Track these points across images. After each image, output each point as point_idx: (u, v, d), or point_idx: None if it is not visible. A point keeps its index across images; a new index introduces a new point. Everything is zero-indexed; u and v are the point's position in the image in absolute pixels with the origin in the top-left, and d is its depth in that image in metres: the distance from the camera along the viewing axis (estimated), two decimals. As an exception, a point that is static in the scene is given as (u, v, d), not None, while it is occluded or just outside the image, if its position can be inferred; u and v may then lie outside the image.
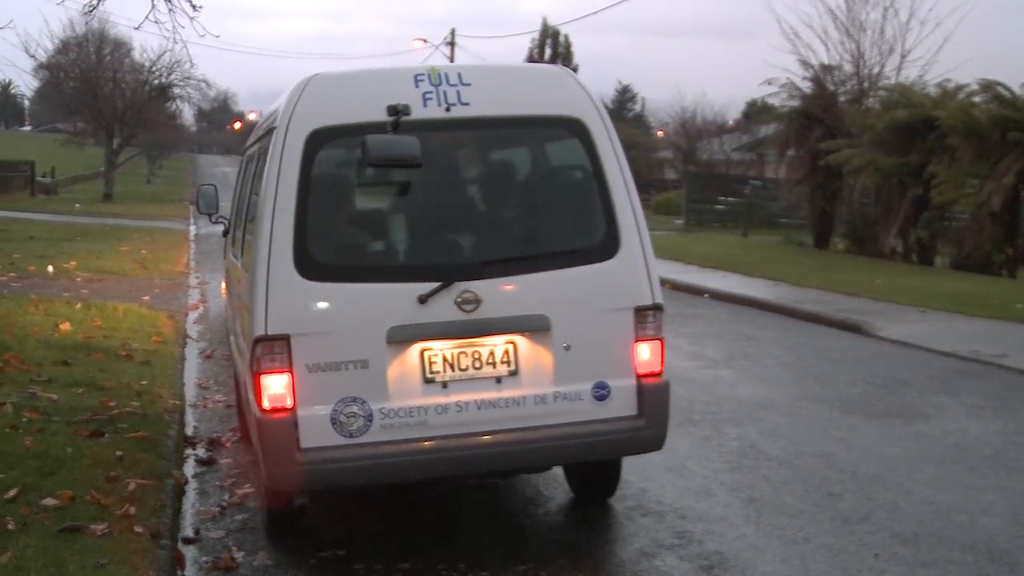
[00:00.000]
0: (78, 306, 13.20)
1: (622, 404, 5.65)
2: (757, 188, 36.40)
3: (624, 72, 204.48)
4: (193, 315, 14.75)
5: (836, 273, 19.55)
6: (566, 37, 64.30)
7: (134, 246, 23.06)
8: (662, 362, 5.75)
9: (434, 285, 5.38)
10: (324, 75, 5.70)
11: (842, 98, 26.96)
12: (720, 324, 14.34)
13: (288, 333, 5.27)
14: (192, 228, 31.15)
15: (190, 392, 9.99)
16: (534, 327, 5.51)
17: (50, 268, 17.67)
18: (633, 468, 7.28)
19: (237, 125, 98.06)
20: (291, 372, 5.27)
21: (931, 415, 8.95)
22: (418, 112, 5.50)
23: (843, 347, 12.54)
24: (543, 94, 5.88)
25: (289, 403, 5.27)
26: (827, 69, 27.24)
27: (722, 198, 38.09)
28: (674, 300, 16.83)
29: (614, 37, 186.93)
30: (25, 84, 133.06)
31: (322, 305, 5.33)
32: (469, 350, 5.46)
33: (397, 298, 5.38)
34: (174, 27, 12.95)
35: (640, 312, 5.66)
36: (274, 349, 5.27)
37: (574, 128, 5.76)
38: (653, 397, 5.68)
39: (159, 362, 10.35)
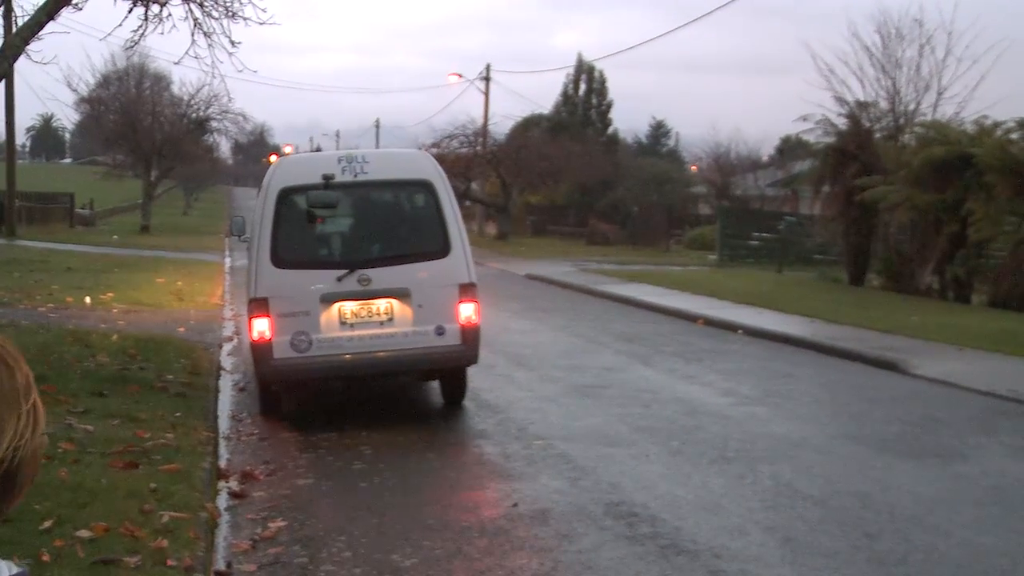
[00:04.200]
0: (114, 337, 13.31)
1: (452, 337, 9.87)
2: (792, 224, 36.23)
3: (658, 107, 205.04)
4: (227, 347, 14.84)
5: (872, 310, 19.38)
6: (601, 72, 64.54)
7: (170, 278, 23.25)
8: (477, 315, 10.00)
9: (345, 271, 9.74)
10: (288, 158, 11.29)
11: (878, 135, 26.83)
12: (754, 361, 14.23)
13: (267, 296, 9.64)
14: (227, 260, 31.38)
15: (224, 424, 10.04)
16: (401, 294, 9.81)
17: (87, 299, 17.84)
18: (667, 506, 7.24)
19: (273, 158, 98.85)
20: (269, 317, 9.59)
21: (969, 455, 8.83)
22: (339, 178, 9.85)
23: (879, 385, 12.41)
24: (409, 167, 10.50)
25: (268, 335, 9.60)
26: (863, 106, 27.14)
27: (756, 234, 37.95)
28: (708, 336, 16.75)
29: (649, 73, 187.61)
30: (66, 117, 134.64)
31: (285, 281, 9.70)
32: (366, 306, 9.79)
33: (326, 277, 9.78)
34: (213, 62, 13.15)
35: (462, 287, 9.93)
36: (260, 305, 9.64)
37: (426, 186, 10.16)
38: (470, 335, 9.95)
39: (194, 394, 10.42)
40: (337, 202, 9.93)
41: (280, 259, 9.69)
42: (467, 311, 9.88)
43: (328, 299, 9.65)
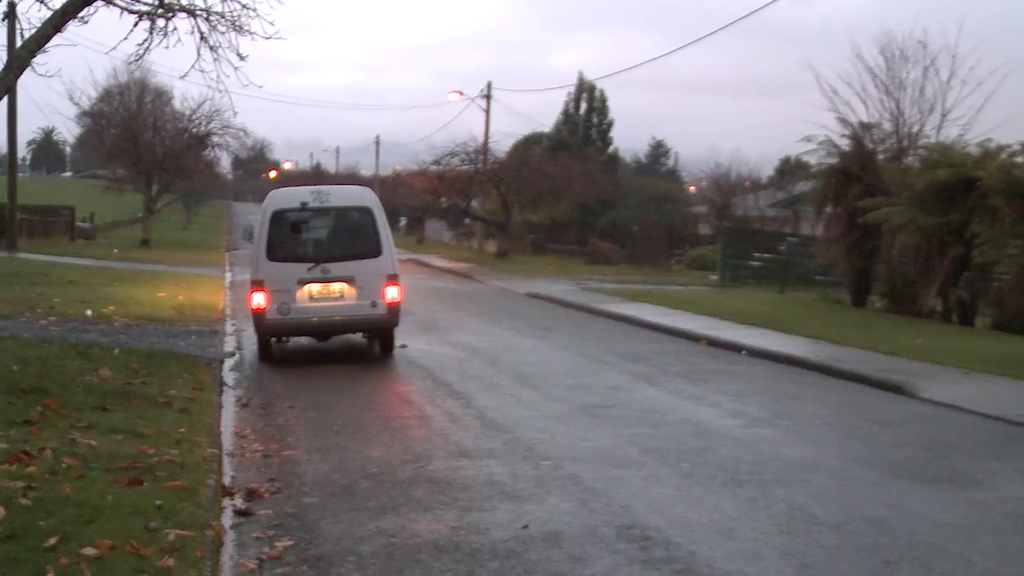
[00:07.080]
0: (116, 351, 13.20)
1: (382, 309, 15.14)
2: (793, 245, 36.16)
3: (658, 127, 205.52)
4: (229, 362, 14.73)
5: (876, 332, 19.27)
6: (602, 92, 64.74)
7: (171, 292, 23.16)
8: (400, 295, 15.40)
9: (313, 264, 15.05)
10: (279, 191, 16.30)
11: (881, 156, 26.72)
12: (760, 382, 14.13)
13: (263, 279, 14.98)
14: (228, 276, 31.27)
15: (227, 440, 9.92)
16: (349, 280, 15.06)
17: (89, 312, 17.75)
18: (680, 530, 7.12)
19: (272, 174, 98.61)
20: (264, 292, 14.88)
21: (983, 481, 8.72)
22: (311, 204, 15.36)
23: (887, 408, 12.30)
24: (357, 197, 15.99)
25: (263, 304, 14.90)
26: (866, 127, 27.04)
27: (757, 254, 37.86)
28: (712, 357, 16.65)
29: (649, 93, 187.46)
30: (68, 131, 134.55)
31: (274, 269, 14.95)
32: (326, 287, 15.04)
33: (301, 269, 15.02)
34: (218, 76, 13.07)
35: (388, 276, 15.19)
36: (258, 284, 14.98)
37: (367, 211, 15.44)
38: (394, 308, 15.28)
39: (197, 409, 10.30)
40: (309, 220, 15.55)
41: (272, 255, 15.00)
42: (392, 292, 15.22)
43: (302, 282, 14.94)
